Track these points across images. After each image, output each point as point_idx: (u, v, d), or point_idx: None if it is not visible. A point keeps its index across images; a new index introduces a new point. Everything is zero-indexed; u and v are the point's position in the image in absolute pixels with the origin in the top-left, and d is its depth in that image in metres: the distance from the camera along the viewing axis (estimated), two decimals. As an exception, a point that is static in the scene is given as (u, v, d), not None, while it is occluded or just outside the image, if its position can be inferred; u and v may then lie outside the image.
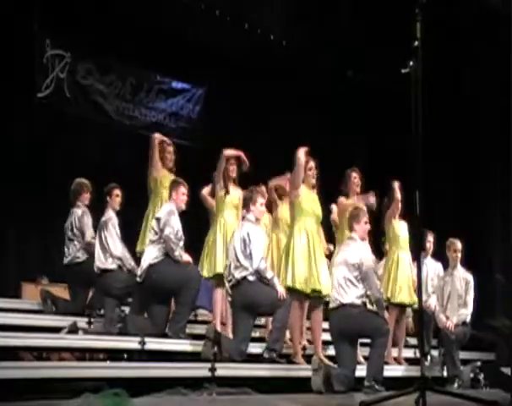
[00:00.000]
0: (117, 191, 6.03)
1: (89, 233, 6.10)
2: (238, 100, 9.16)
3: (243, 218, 5.55)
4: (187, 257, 5.48)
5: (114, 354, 5.10)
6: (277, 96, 9.28)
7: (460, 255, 6.56)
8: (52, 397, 3.90)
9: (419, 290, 4.20)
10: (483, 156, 9.10)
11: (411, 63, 3.93)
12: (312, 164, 5.78)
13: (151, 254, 5.39)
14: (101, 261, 5.76)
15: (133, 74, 9.20)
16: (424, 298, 6.40)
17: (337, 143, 9.78)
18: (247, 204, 5.50)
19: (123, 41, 8.46)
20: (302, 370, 5.30)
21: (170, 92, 9.61)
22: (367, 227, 5.48)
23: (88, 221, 6.14)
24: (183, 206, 5.65)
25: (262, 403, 4.32)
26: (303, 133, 9.09)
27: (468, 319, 6.48)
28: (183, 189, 5.64)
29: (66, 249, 6.16)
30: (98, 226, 5.93)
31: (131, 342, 5.02)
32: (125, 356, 5.09)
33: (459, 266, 6.61)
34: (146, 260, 5.40)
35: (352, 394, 4.87)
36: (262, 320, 6.41)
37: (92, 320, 5.65)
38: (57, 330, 5.31)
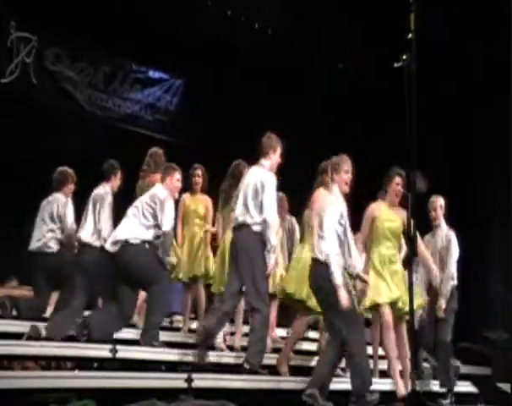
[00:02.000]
0: (121, 175, 6.06)
1: (71, 224, 5.96)
2: (220, 92, 9.17)
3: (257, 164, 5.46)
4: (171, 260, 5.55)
5: (83, 363, 5.09)
6: (260, 89, 9.31)
7: (442, 212, 6.32)
8: (15, 410, 3.89)
9: (410, 296, 4.25)
10: (482, 157, 9.27)
11: (404, 57, 4.01)
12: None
13: (135, 231, 5.37)
14: (87, 235, 5.78)
15: (106, 62, 9.18)
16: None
17: (335, 143, 9.78)
18: (266, 150, 5.40)
19: (96, 25, 8.41)
20: (286, 382, 5.35)
21: (146, 82, 9.62)
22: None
23: (71, 212, 6.00)
24: (177, 195, 5.70)
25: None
26: (287, 129, 9.15)
27: (455, 283, 6.26)
28: (178, 176, 5.65)
29: (36, 234, 6.00)
30: (93, 198, 5.92)
31: (101, 350, 5.02)
32: (95, 365, 5.09)
33: (443, 224, 6.35)
34: (125, 234, 5.38)
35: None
36: (246, 329, 6.47)
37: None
38: (18, 336, 5.29)
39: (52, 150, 6.36)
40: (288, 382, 5.26)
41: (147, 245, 5.37)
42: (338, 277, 4.72)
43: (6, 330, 5.42)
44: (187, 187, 6.56)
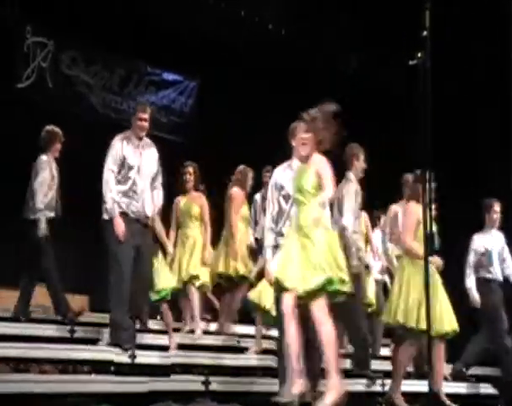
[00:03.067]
0: None
1: (39, 184, 5.75)
2: (234, 94, 9.11)
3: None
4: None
5: (100, 367, 5.03)
6: (275, 91, 9.22)
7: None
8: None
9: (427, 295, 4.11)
10: (482, 157, 9.19)
11: (419, 55, 3.91)
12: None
13: None
14: None
15: (121, 65, 9.15)
16: None
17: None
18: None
19: (111, 28, 8.37)
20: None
21: (161, 84, 9.57)
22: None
23: (46, 171, 5.77)
24: (141, 133, 5.25)
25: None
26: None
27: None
28: (141, 114, 5.23)
29: (27, 200, 5.85)
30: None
31: (119, 355, 4.97)
32: (112, 368, 5.02)
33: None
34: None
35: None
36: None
37: (75, 328, 5.57)
38: (35, 339, 5.24)
39: (70, 153, 6.27)
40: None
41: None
42: (267, 253, 4.67)
43: (22, 333, 5.38)
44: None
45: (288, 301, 4.01)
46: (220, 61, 9.01)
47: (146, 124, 5.34)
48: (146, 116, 5.32)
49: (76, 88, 8.71)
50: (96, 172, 6.35)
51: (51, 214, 5.82)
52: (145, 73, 9.43)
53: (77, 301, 6.77)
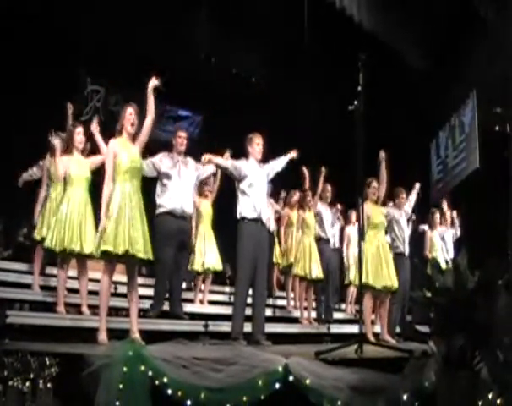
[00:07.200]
0: None
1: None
2: (228, 126, 9.05)
3: None
4: None
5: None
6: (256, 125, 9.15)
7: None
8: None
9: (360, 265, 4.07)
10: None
11: (356, 103, 3.90)
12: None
13: None
14: None
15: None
16: None
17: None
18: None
19: (144, 78, 8.30)
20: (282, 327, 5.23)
21: (177, 118, 9.55)
22: None
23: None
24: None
25: (244, 350, 4.21)
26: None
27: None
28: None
29: None
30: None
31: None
32: (141, 314, 4.92)
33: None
34: None
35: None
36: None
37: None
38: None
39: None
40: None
41: None
42: None
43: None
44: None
45: None
46: (218, 103, 8.96)
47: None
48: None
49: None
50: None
51: None
52: (166, 110, 9.39)
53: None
